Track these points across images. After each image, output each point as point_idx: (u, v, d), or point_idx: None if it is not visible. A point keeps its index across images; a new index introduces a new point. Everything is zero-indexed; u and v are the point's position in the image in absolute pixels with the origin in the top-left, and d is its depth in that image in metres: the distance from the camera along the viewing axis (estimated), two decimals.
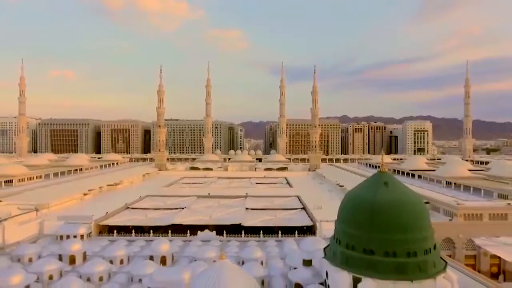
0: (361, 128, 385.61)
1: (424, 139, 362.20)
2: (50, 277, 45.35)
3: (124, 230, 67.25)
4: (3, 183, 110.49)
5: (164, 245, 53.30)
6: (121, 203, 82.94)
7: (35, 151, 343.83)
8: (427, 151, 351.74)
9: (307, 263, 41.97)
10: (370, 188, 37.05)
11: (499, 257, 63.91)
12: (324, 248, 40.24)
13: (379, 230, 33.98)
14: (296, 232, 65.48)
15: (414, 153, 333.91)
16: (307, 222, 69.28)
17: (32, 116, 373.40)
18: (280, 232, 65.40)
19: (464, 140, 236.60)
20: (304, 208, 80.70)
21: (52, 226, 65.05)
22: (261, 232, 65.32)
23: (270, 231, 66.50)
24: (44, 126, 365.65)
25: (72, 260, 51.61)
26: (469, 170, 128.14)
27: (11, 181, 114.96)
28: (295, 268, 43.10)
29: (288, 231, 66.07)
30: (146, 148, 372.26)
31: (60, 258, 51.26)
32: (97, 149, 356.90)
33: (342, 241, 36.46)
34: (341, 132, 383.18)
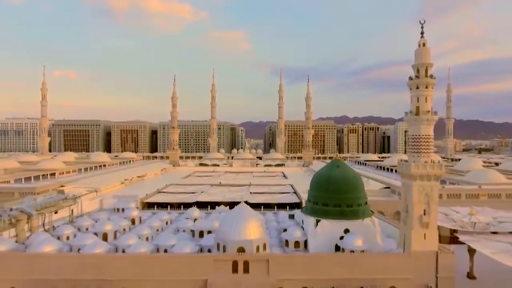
0: (355, 129, 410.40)
1: None
2: (124, 230, 69.32)
3: (160, 207, 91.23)
4: (48, 175, 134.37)
5: (195, 212, 77.60)
6: (153, 188, 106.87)
7: (49, 150, 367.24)
8: None
9: (291, 217, 66.41)
10: (328, 169, 61.37)
11: None
12: (302, 207, 64.62)
13: (331, 192, 58.11)
14: (288, 207, 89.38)
15: (405, 152, 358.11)
16: (296, 200, 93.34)
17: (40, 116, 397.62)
18: (276, 207, 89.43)
19: (446, 140, 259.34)
20: (295, 192, 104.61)
21: (108, 203, 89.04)
22: (262, 207, 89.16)
23: (268, 206, 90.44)
24: (58, 126, 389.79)
25: (133, 221, 75.51)
26: None
27: (54, 174, 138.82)
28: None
29: (281, 206, 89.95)
30: (153, 148, 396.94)
31: None
32: (107, 149, 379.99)
33: (311, 200, 60.77)
34: (337, 132, 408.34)
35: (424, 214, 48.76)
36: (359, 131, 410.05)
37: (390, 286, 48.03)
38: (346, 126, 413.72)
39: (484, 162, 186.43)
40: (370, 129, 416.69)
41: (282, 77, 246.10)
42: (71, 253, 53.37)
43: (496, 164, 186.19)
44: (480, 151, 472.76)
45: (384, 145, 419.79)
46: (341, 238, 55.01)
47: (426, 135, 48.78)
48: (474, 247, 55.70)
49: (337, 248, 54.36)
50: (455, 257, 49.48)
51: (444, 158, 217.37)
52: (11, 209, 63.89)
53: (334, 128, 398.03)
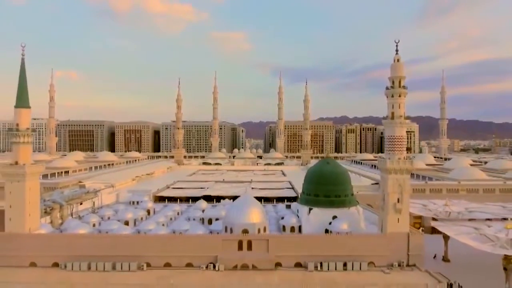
0: (353, 129, 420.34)
1: (410, 139, 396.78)
2: (141, 218, 78.98)
3: (170, 200, 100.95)
4: (63, 173, 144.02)
5: (203, 204, 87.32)
6: (162, 184, 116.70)
7: (55, 150, 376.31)
8: (414, 150, 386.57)
9: (288, 207, 76.25)
10: (320, 165, 71.18)
11: (420, 217, 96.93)
12: (297, 198, 74.39)
13: (322, 185, 67.82)
14: (285, 200, 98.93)
15: None
16: (293, 194, 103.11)
17: (43, 116, 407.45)
18: (275, 200, 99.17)
19: (440, 140, 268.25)
20: (292, 188, 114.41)
21: (123, 196, 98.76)
22: (262, 201, 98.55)
23: (268, 200, 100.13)
24: (63, 127, 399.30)
25: (148, 212, 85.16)
26: (427, 165, 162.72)
27: (67, 172, 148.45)
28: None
29: (280, 200, 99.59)
30: (156, 147, 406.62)
31: None
32: (111, 148, 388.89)
33: (305, 191, 70.57)
34: (336, 132, 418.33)
35: (398, 202, 58.40)
36: (357, 131, 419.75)
37: (369, 261, 57.59)
38: (345, 126, 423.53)
39: (474, 161, 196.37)
40: (368, 130, 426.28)
41: (281, 79, 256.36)
42: (104, 233, 63.18)
43: (485, 163, 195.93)
44: (477, 151, 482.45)
45: (382, 145, 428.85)
46: (330, 223, 64.68)
47: (399, 136, 58.50)
48: (441, 230, 65.38)
49: (327, 231, 63.97)
50: (424, 238, 59.14)
51: (437, 157, 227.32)
52: (44, 200, 73.74)
53: (333, 128, 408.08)
